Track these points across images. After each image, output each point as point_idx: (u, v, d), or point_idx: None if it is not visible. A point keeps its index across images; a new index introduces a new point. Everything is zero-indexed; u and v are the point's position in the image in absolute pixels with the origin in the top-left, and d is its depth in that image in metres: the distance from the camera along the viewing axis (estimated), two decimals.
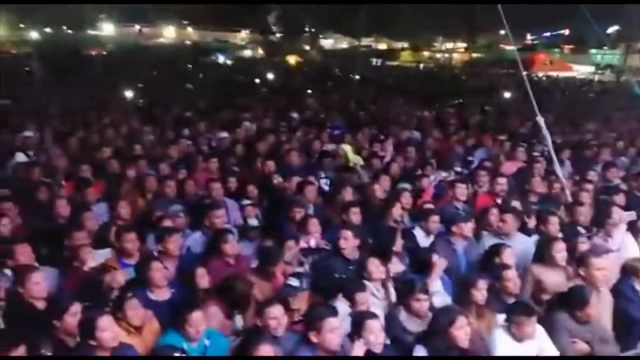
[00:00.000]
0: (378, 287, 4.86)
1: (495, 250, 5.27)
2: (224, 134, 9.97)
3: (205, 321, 4.04)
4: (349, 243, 5.30)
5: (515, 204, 6.68)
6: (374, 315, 4.06)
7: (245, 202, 6.61)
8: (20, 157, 7.96)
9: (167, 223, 5.54)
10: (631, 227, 6.25)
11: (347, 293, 4.43)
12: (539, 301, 5.08)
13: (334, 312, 3.93)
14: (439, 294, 5.03)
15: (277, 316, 3.98)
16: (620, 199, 7.17)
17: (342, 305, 4.42)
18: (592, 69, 33.70)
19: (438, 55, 51.00)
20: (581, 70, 35.96)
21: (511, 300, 4.78)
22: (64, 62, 24.99)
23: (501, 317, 4.68)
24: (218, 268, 4.98)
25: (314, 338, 3.82)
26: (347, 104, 15.10)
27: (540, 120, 7.97)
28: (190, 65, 28.97)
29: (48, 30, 39.75)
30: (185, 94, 16.76)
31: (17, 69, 16.03)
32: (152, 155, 8.40)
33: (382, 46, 59.58)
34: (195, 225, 5.92)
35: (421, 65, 40.81)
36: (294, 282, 4.62)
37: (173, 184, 6.85)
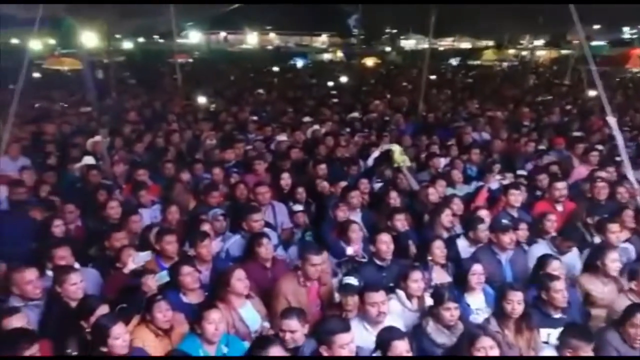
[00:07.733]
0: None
1: (542, 262, 4.91)
2: (283, 137, 10.01)
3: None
4: (383, 249, 5.12)
5: None
6: (401, 336, 3.79)
7: (297, 207, 6.62)
8: (88, 160, 8.22)
9: (205, 227, 5.58)
10: None
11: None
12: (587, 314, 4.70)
13: (346, 328, 3.78)
14: (480, 311, 4.74)
15: (292, 329, 3.88)
16: None
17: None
18: None
19: (524, 53, 48.77)
20: None
21: (557, 315, 4.44)
22: (150, 70, 26.35)
23: (544, 333, 4.37)
24: (253, 271, 4.97)
25: (324, 352, 3.71)
26: (415, 105, 14.75)
27: (611, 120, 7.39)
28: (271, 69, 29.58)
29: (141, 39, 42.23)
30: (256, 98, 17.01)
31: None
32: (209, 159, 8.59)
33: (466, 45, 58.14)
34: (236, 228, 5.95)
35: (504, 64, 39.03)
36: (353, 280, 4.54)
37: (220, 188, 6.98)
